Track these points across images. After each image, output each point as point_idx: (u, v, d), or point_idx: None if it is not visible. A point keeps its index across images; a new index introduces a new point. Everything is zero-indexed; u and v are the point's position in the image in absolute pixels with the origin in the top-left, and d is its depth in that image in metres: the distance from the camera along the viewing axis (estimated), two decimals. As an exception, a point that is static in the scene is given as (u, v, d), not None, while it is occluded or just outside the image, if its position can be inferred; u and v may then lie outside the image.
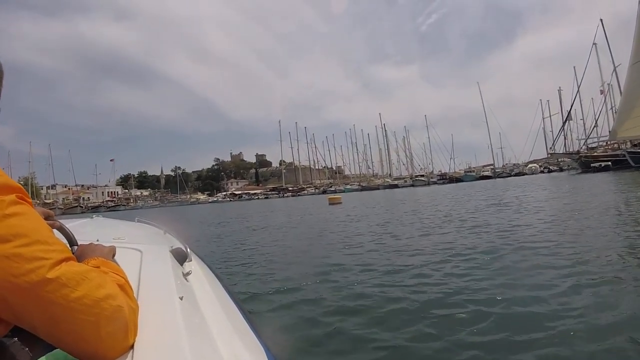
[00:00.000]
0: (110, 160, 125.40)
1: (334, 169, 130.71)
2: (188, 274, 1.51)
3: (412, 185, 78.40)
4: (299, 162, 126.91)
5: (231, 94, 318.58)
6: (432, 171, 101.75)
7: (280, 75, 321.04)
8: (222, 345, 0.90)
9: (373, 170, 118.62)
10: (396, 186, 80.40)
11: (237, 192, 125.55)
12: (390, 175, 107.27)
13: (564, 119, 71.22)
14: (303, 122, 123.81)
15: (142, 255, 1.47)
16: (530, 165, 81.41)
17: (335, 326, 3.58)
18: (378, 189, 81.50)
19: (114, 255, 1.06)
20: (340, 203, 28.33)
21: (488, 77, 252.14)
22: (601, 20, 64.07)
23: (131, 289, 0.85)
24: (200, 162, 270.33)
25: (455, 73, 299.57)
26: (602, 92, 69.18)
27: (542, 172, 74.45)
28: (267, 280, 5.58)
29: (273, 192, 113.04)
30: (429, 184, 78.92)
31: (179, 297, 1.06)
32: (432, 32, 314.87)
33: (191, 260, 1.70)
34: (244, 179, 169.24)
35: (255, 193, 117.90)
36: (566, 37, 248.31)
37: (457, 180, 74.82)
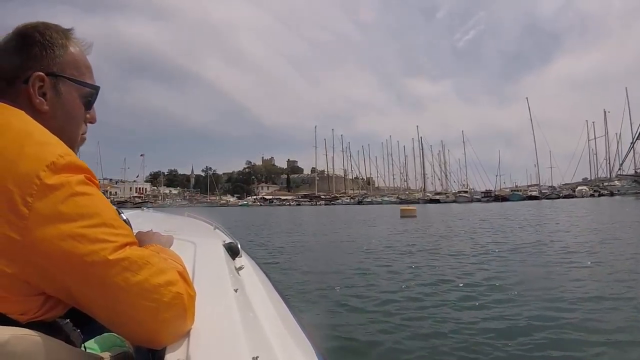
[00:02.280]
0: (140, 155, 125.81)
1: (365, 179, 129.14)
2: (240, 268, 1.53)
3: (455, 202, 76.84)
4: (333, 170, 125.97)
5: (263, 99, 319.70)
6: (469, 187, 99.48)
7: (312, 83, 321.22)
8: (274, 340, 0.90)
9: (407, 184, 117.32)
10: (437, 201, 78.92)
11: (267, 197, 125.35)
12: (424, 189, 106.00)
13: (634, 137, 68.02)
14: (335, 131, 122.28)
15: (196, 247, 1.52)
16: (579, 188, 79.42)
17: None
18: (418, 202, 79.36)
19: (170, 246, 1.08)
20: (415, 216, 26.97)
21: (521, 98, 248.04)
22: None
23: (189, 276, 0.85)
24: (229, 164, 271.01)
25: (489, 91, 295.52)
26: None
27: (592, 195, 72.09)
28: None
29: (305, 200, 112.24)
30: (472, 201, 76.92)
31: (234, 290, 1.09)
32: (469, 48, 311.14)
33: (242, 256, 1.70)
34: (275, 184, 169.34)
35: (286, 199, 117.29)
36: (602, 61, 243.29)
37: (503, 199, 72.72)
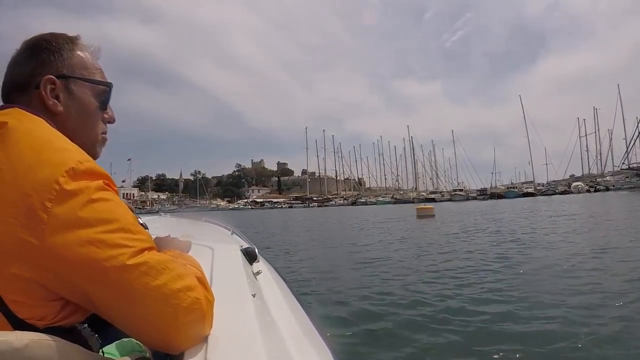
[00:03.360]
0: (127, 160, 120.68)
1: (357, 180, 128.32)
2: (258, 273, 1.56)
3: (450, 200, 76.08)
4: (325, 172, 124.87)
5: (254, 101, 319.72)
6: (463, 186, 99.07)
7: (304, 85, 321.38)
8: (292, 346, 0.90)
9: (399, 183, 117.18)
10: (433, 200, 77.52)
11: (258, 200, 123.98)
12: (416, 188, 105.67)
13: (634, 133, 68.38)
14: (326, 133, 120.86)
15: (214, 252, 1.51)
16: (575, 184, 79.01)
17: None
18: (412, 202, 78.39)
19: (188, 251, 1.08)
20: (433, 215, 24.87)
21: (509, 98, 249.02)
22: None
23: (208, 282, 0.85)
24: (220, 168, 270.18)
25: (477, 91, 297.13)
26: None
27: (588, 191, 71.79)
28: None
29: (297, 202, 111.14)
30: (467, 199, 76.15)
31: (252, 295, 1.10)
32: (457, 49, 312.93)
33: (259, 261, 1.73)
34: (266, 186, 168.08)
35: (277, 202, 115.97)
36: (588, 61, 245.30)
37: (499, 196, 71.81)
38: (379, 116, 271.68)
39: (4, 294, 0.67)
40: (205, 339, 0.79)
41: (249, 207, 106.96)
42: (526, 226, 14.48)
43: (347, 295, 5.48)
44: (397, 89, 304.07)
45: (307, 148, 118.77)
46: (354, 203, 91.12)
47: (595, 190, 70.98)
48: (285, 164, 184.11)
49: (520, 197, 68.93)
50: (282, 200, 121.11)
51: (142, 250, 0.72)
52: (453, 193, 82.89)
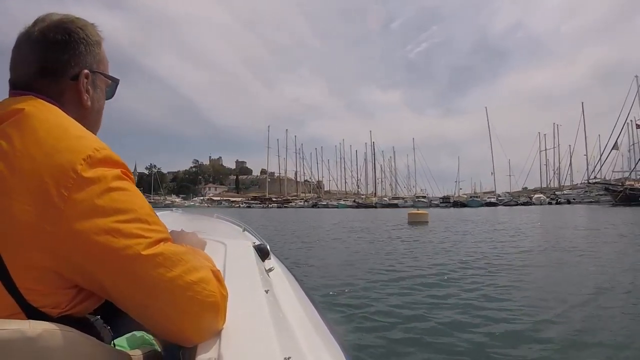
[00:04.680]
0: None
1: (316, 182, 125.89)
2: (270, 270, 1.59)
3: (413, 206, 73.92)
4: (286, 172, 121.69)
5: (215, 98, 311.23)
6: (426, 193, 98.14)
7: (266, 85, 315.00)
8: (304, 341, 0.92)
9: (359, 188, 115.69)
10: (395, 205, 76.10)
11: (215, 198, 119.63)
12: (375, 194, 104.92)
13: (612, 148, 69.17)
14: (284, 135, 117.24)
15: (227, 248, 1.53)
16: (537, 196, 78.84)
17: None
18: (375, 207, 77.54)
19: (203, 247, 1.09)
20: (427, 222, 21.91)
21: (468, 110, 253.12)
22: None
23: (222, 276, 0.85)
24: (175, 163, 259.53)
25: (436, 102, 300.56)
26: (638, 126, 70.06)
27: (549, 203, 71.71)
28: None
29: (255, 202, 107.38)
30: (430, 206, 74.63)
31: (265, 291, 1.11)
32: (420, 60, 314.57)
33: (270, 258, 1.75)
34: (223, 184, 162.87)
35: (235, 201, 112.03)
36: (549, 80, 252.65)
37: (462, 205, 70.56)
38: (340, 120, 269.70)
39: (18, 281, 0.66)
40: (218, 333, 0.79)
41: (206, 205, 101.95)
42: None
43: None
44: (359, 94, 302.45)
45: (268, 147, 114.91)
46: (314, 205, 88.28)
47: (557, 203, 71.01)
48: (244, 162, 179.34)
49: (483, 206, 67.93)
50: (239, 199, 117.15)
51: (158, 241, 0.72)
52: (416, 199, 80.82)
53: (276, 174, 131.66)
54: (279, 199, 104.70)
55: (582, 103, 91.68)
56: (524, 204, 72.84)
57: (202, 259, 0.83)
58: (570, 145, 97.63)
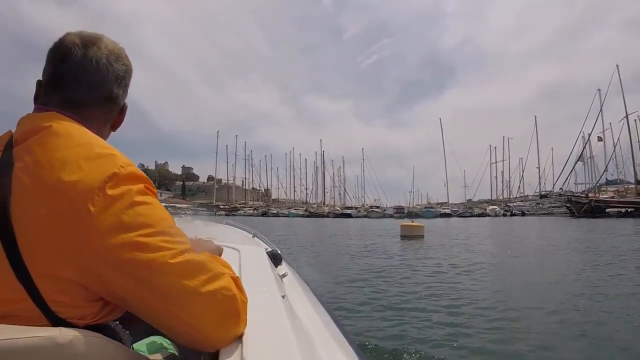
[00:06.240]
0: None
1: (264, 190, 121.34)
2: (284, 275, 1.62)
3: (366, 217, 71.58)
4: (234, 179, 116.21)
5: (161, 100, 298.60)
6: (380, 203, 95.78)
7: (215, 90, 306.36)
8: (320, 347, 0.95)
9: (308, 196, 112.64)
10: (349, 215, 73.08)
11: (161, 204, 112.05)
12: (324, 203, 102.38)
13: (577, 159, 71.21)
14: (233, 141, 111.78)
15: (240, 254, 1.53)
16: (492, 207, 77.76)
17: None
18: (327, 216, 74.43)
19: (220, 254, 1.14)
20: (422, 237, 18.47)
21: (417, 122, 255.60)
22: (617, 66, 65.94)
23: (241, 283, 0.87)
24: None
25: (385, 114, 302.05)
26: (600, 139, 71.18)
27: (504, 214, 70.78)
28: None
29: (202, 209, 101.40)
30: (384, 216, 71.90)
31: (282, 296, 1.13)
32: (370, 72, 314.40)
33: (282, 264, 1.78)
34: (169, 190, 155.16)
35: (181, 207, 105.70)
36: (495, 95, 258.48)
37: (417, 215, 67.86)
38: (289, 128, 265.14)
39: (47, 294, 0.69)
40: (240, 338, 0.81)
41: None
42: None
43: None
44: (309, 103, 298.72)
45: (217, 153, 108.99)
46: (264, 214, 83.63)
47: (512, 215, 70.27)
48: (190, 168, 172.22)
49: (437, 217, 65.80)
50: (186, 206, 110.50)
51: (181, 252, 0.75)
52: (370, 209, 78.38)
53: (224, 181, 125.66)
54: (226, 207, 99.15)
55: (535, 117, 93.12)
56: (478, 215, 71.65)
57: (222, 266, 0.85)
58: (521, 158, 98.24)
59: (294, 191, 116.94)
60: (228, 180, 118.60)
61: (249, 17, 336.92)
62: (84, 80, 0.87)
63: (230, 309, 0.79)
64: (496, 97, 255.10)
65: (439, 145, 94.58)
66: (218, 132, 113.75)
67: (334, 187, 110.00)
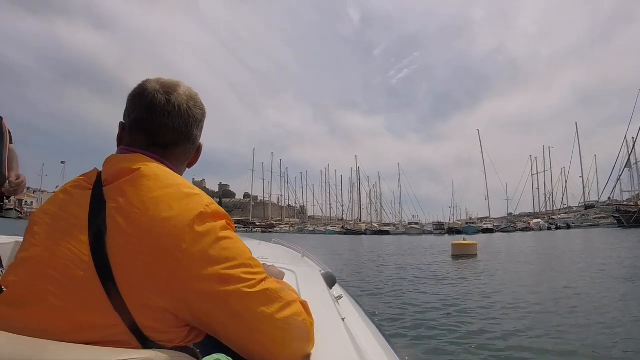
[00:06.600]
0: (61, 163, 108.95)
1: (299, 207, 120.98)
2: (339, 297, 1.61)
3: (405, 234, 69.93)
4: (270, 196, 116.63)
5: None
6: (418, 219, 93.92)
7: (250, 109, 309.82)
8: None
9: (344, 213, 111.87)
10: (387, 232, 71.79)
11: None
12: (360, 219, 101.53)
13: (624, 166, 67.81)
14: (268, 159, 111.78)
15: (297, 276, 1.56)
16: (535, 221, 74.39)
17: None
18: (364, 233, 73.23)
19: (283, 278, 1.20)
20: (476, 255, 17.38)
21: (450, 136, 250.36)
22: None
23: (309, 307, 0.94)
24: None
25: (418, 128, 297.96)
26: None
27: (548, 228, 67.66)
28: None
29: (239, 225, 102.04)
30: (423, 233, 70.30)
31: (342, 318, 1.16)
32: (401, 86, 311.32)
33: (336, 286, 1.77)
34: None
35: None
36: (528, 104, 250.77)
37: (457, 232, 66.09)
38: (323, 145, 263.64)
39: (141, 321, 0.76)
40: (309, 357, 0.88)
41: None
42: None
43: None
44: (342, 120, 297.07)
45: (253, 170, 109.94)
46: (301, 231, 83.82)
47: (556, 228, 67.09)
48: (227, 185, 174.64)
49: (479, 233, 63.55)
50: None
51: (259, 282, 0.83)
52: (408, 226, 76.88)
53: (260, 198, 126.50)
54: (262, 223, 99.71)
55: (576, 123, 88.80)
56: (522, 229, 68.82)
57: (291, 292, 0.92)
58: (563, 168, 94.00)
59: (330, 208, 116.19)
60: (264, 197, 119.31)
61: (279, 37, 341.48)
62: (168, 125, 0.95)
63: (302, 332, 0.87)
64: (531, 103, 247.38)
65: (476, 158, 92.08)
66: (254, 150, 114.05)
67: (370, 203, 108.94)
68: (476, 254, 17.64)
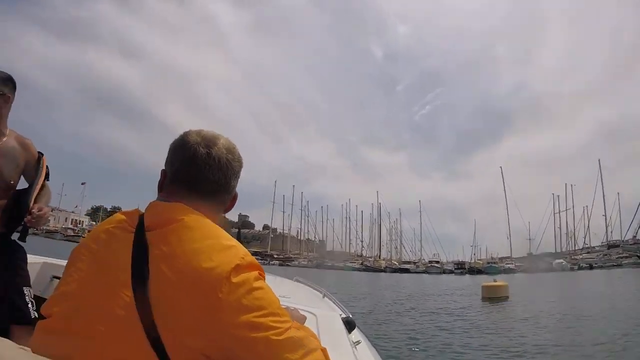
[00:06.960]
0: (82, 184, 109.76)
1: (318, 242, 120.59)
2: (357, 343, 1.64)
3: (425, 272, 69.62)
4: (290, 229, 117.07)
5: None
6: (439, 258, 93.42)
7: (272, 141, 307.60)
8: None
9: (363, 249, 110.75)
10: (407, 270, 71.62)
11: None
12: (380, 256, 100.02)
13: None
14: (288, 191, 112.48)
15: (317, 319, 1.59)
16: (557, 261, 73.57)
17: None
18: (384, 271, 72.76)
19: (304, 322, 1.23)
20: (507, 297, 16.88)
21: (472, 173, 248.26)
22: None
23: (329, 354, 0.98)
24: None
25: (440, 165, 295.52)
26: None
27: (571, 269, 66.92)
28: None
29: (256, 257, 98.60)
30: (444, 272, 70.01)
31: None
32: (424, 122, 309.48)
33: (355, 331, 1.79)
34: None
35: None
36: (550, 141, 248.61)
37: (479, 271, 65.82)
38: (345, 180, 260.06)
39: (175, 358, 0.81)
40: None
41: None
42: None
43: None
44: (364, 155, 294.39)
45: (274, 202, 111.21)
46: (319, 266, 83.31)
47: (579, 268, 66.47)
48: (246, 216, 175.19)
49: (500, 273, 63.01)
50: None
51: (286, 330, 0.87)
52: (429, 265, 76.49)
53: (279, 230, 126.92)
54: (280, 256, 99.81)
55: (599, 160, 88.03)
56: (544, 270, 67.95)
57: (313, 338, 0.96)
58: (586, 206, 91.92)
59: (350, 243, 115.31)
60: (284, 229, 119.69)
61: (303, 73, 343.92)
62: (209, 177, 1.03)
63: None
64: (554, 140, 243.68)
65: (497, 196, 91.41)
66: (275, 182, 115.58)
67: (390, 240, 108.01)
68: (508, 296, 17.10)
